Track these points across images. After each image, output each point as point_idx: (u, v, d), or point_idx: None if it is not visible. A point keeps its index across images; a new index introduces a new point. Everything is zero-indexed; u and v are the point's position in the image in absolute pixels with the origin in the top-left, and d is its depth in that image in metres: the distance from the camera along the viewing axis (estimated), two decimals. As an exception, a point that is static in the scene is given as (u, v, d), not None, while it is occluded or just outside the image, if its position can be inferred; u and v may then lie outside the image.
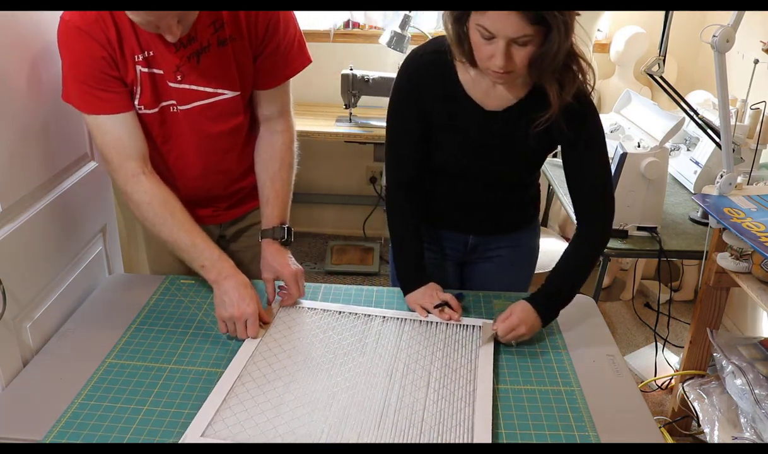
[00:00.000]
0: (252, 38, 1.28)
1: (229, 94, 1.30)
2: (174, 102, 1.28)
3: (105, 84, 1.20)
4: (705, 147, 2.26)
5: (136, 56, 1.21)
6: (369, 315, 1.34)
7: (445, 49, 1.23)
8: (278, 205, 1.39)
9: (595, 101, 3.32)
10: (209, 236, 1.31)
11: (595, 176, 1.30)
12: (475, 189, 1.40)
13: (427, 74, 1.28)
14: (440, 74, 1.27)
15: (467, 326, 1.31)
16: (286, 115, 1.42)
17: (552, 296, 1.32)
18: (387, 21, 2.94)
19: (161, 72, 1.24)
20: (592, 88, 1.23)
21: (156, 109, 1.28)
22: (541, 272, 2.39)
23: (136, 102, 1.25)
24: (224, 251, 1.52)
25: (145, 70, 1.23)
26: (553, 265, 2.41)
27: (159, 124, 1.30)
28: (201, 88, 1.27)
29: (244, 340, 1.25)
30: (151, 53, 1.22)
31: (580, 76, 1.19)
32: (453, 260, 1.54)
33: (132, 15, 1.13)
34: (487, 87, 1.26)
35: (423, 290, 1.37)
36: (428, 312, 1.34)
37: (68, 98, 1.24)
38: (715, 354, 1.88)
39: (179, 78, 1.25)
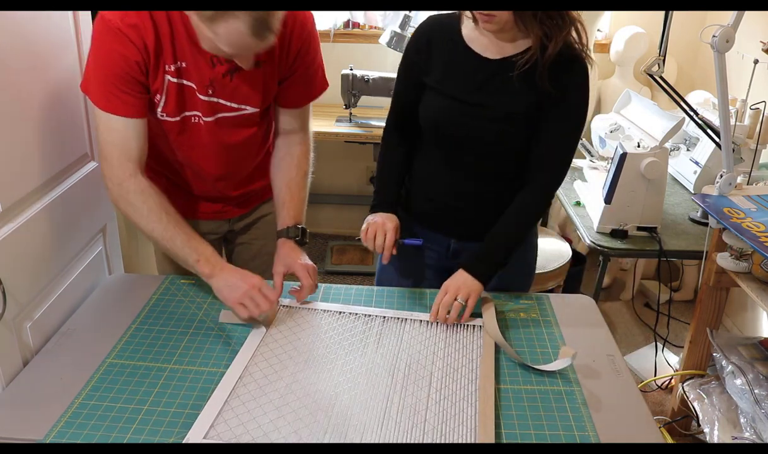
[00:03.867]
0: (282, 63, 1.33)
1: (250, 109, 1.35)
2: (199, 113, 1.31)
3: (129, 87, 1.21)
4: (705, 147, 2.26)
5: (168, 66, 1.23)
6: (369, 315, 1.34)
7: (455, 13, 1.35)
8: (293, 207, 1.43)
9: (594, 101, 3.30)
10: (218, 230, 1.40)
11: (561, 138, 1.33)
12: (461, 170, 1.40)
13: (433, 29, 1.38)
14: (445, 30, 1.36)
15: (468, 325, 1.31)
16: (305, 130, 1.49)
17: (487, 259, 1.35)
18: (387, 21, 2.94)
19: (192, 84, 1.27)
20: (584, 47, 1.28)
21: (177, 118, 1.31)
22: (539, 272, 2.40)
23: (159, 109, 1.28)
24: (230, 244, 1.62)
25: (174, 80, 1.25)
26: (553, 265, 2.42)
27: (177, 132, 1.33)
28: (227, 103, 1.32)
29: (243, 341, 1.25)
30: (184, 65, 1.24)
31: (573, 33, 1.24)
32: (433, 267, 1.53)
33: (224, 45, 1.14)
34: (487, 41, 1.31)
35: (380, 217, 1.39)
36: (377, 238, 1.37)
37: (87, 90, 1.24)
38: (715, 354, 1.88)
39: (210, 92, 1.29)
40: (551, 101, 1.29)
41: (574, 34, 1.26)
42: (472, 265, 1.33)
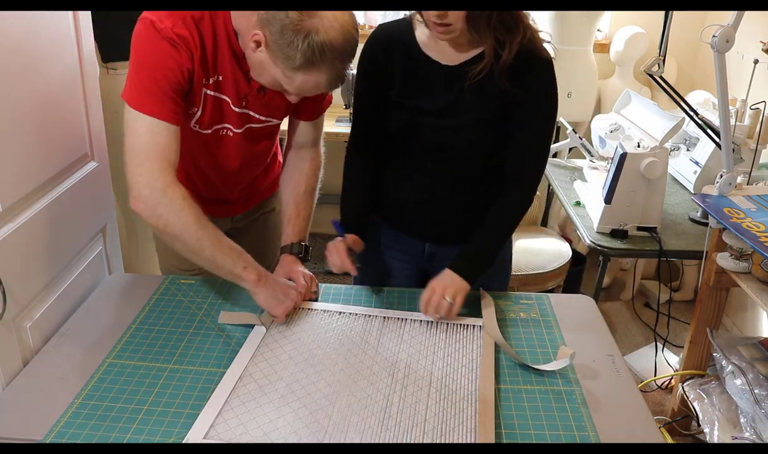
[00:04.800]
0: None
1: (275, 121, 1.41)
2: (229, 126, 1.33)
3: (178, 94, 1.21)
4: (705, 147, 2.26)
5: (207, 79, 1.24)
6: (369, 315, 1.34)
7: (406, 19, 1.33)
8: (298, 224, 1.48)
9: (594, 101, 3.29)
10: (220, 227, 1.39)
11: (534, 136, 1.33)
12: (428, 175, 1.39)
13: (386, 38, 1.35)
14: (399, 37, 1.34)
15: (468, 325, 1.31)
16: (317, 145, 1.55)
17: (473, 258, 1.36)
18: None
19: (227, 98, 1.28)
20: (537, 45, 1.25)
21: (209, 131, 1.32)
22: (539, 272, 2.40)
23: (192, 121, 1.29)
24: (230, 239, 1.64)
25: (211, 93, 1.26)
26: (553, 265, 2.42)
27: (205, 142, 1.35)
28: (257, 116, 1.35)
29: (243, 341, 1.25)
30: (221, 78, 1.26)
31: (524, 37, 1.22)
32: (412, 268, 1.53)
33: (293, 89, 1.18)
34: (442, 46, 1.29)
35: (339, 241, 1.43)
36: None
37: (130, 95, 1.19)
38: (715, 354, 1.88)
39: (243, 104, 1.31)
40: (516, 102, 1.28)
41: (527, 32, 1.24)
42: (458, 265, 1.33)
